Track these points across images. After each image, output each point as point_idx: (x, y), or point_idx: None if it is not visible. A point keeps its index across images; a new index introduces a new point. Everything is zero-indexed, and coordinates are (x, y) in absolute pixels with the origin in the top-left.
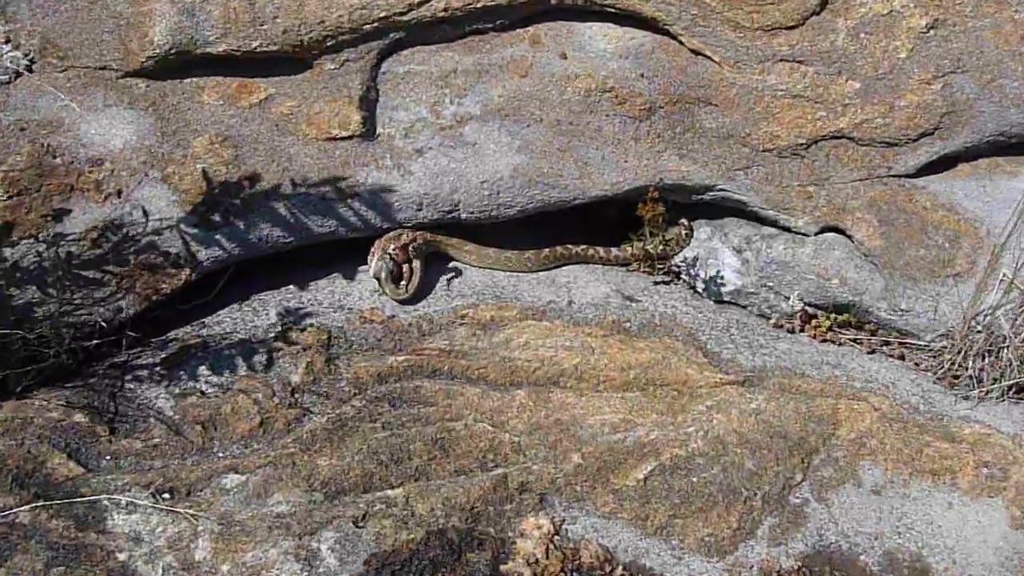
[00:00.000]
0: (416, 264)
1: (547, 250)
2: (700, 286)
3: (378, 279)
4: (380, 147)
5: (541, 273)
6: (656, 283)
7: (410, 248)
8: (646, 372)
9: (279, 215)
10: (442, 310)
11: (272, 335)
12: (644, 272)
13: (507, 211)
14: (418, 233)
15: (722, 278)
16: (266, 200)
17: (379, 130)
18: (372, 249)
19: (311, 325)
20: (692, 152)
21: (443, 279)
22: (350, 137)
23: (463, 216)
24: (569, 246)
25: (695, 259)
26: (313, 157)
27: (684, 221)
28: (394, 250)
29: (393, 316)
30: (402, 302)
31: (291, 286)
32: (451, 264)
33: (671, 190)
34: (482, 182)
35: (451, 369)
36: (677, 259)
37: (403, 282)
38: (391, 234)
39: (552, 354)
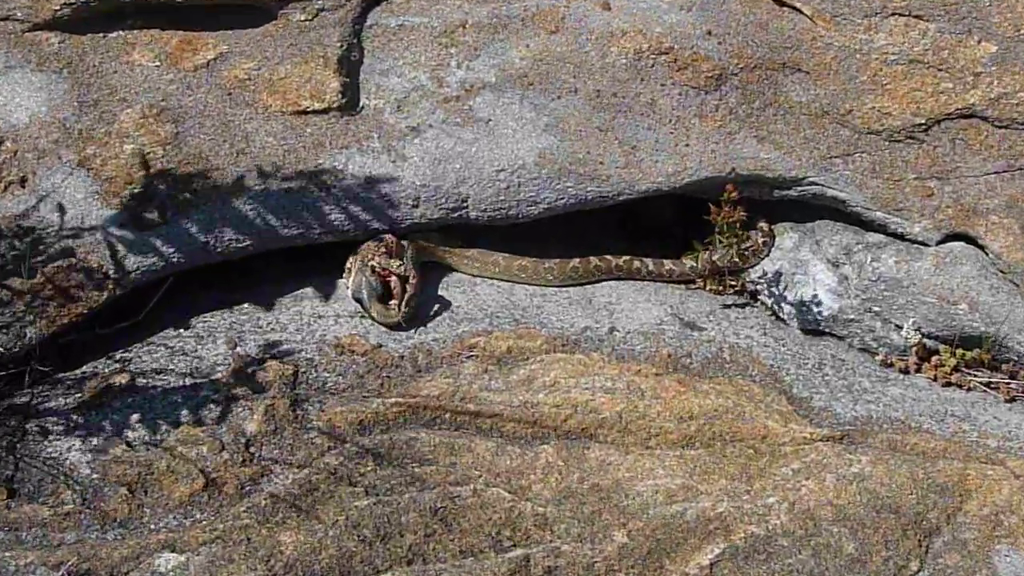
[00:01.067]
0: (412, 278)
1: (577, 260)
2: (784, 310)
3: (359, 300)
4: (365, 124)
5: (573, 290)
6: (726, 306)
7: (403, 259)
8: (712, 423)
9: (234, 212)
10: (444, 338)
11: (221, 370)
12: (710, 291)
13: (530, 209)
14: (408, 240)
15: (813, 300)
16: (216, 192)
17: (363, 101)
18: (349, 262)
19: (272, 357)
20: (774, 134)
21: (440, 298)
22: (326, 111)
23: (473, 215)
24: (608, 257)
25: (777, 275)
26: (277, 136)
27: (763, 225)
28: (377, 262)
29: (379, 346)
30: (392, 327)
31: (246, 305)
32: (449, 278)
33: (746, 183)
34: (498, 171)
35: (456, 416)
36: (753, 274)
37: (394, 301)
38: (371, 242)
39: (588, 398)
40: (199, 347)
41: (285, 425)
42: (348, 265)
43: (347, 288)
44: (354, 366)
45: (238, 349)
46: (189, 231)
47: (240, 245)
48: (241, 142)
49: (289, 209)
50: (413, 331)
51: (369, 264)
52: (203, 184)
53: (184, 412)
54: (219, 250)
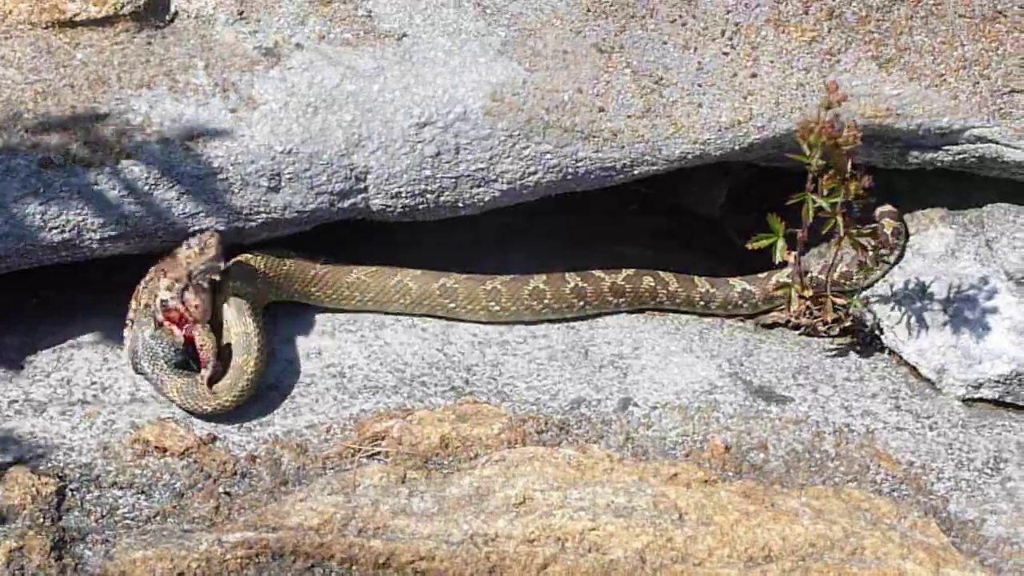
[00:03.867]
0: (237, 319)
1: (573, 278)
2: (931, 363)
3: (138, 369)
4: (182, 44)
5: (557, 333)
6: (829, 355)
7: (201, 280)
8: (804, 568)
9: None
10: (327, 423)
11: None
12: (801, 330)
13: (476, 193)
14: (250, 255)
15: (982, 346)
16: None
17: (178, 4)
18: (131, 299)
19: (19, 462)
20: (909, 52)
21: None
22: (110, 20)
23: (375, 204)
24: (630, 275)
25: (916, 299)
26: (23, 66)
27: (887, 212)
28: (169, 295)
29: (212, 439)
30: (207, 415)
31: None
32: (332, 319)
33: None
34: (419, 125)
35: (351, 562)
36: (874, 293)
37: (206, 369)
38: (166, 258)
39: (586, 526)
40: None
41: None
42: (130, 303)
43: (124, 347)
44: (167, 476)
45: None
46: None
47: None
48: None
49: (48, 194)
50: (274, 410)
51: (155, 302)
52: None
53: None
54: None
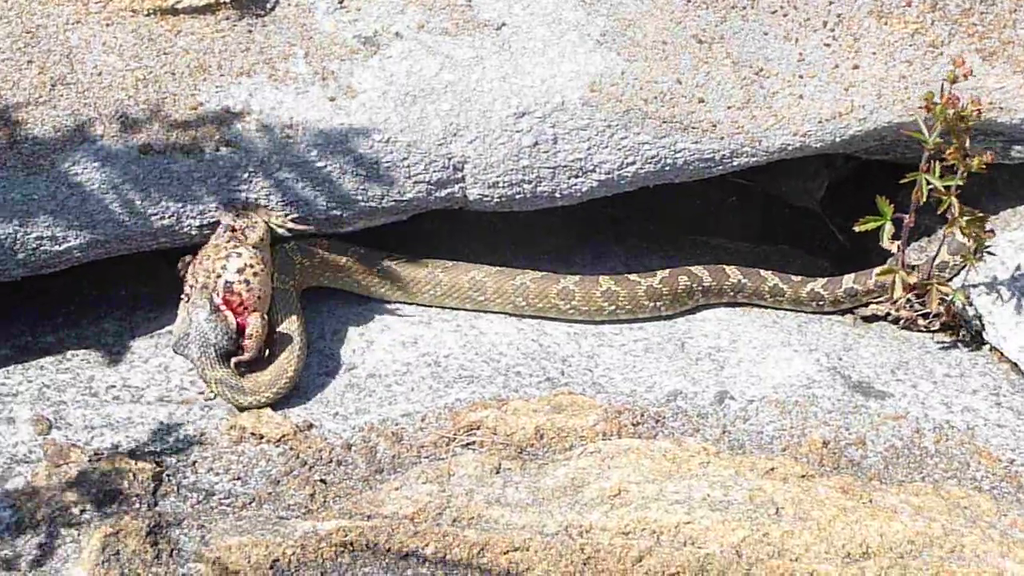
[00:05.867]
0: (282, 314)
1: (661, 276)
2: None
3: (183, 351)
4: (282, 32)
5: (652, 327)
6: (931, 348)
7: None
8: (903, 566)
9: (48, 188)
10: (422, 412)
11: (23, 473)
12: (904, 319)
13: (574, 183)
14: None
15: None
16: (16, 154)
17: None
18: (186, 275)
19: (116, 450)
20: (1011, 46)
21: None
22: (212, 8)
23: (472, 194)
24: (718, 272)
25: (1018, 290)
26: (124, 53)
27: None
28: (237, 277)
29: (309, 427)
30: (243, 408)
31: (71, 353)
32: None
33: None
34: (517, 115)
35: (444, 552)
36: (976, 287)
37: (245, 355)
38: (218, 235)
39: (682, 519)
40: None
41: (139, 568)
42: (187, 280)
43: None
44: (263, 463)
45: (53, 434)
46: None
47: (59, 248)
48: (59, 64)
49: (147, 181)
50: (364, 400)
51: (209, 281)
52: None
53: None
54: (21, 257)
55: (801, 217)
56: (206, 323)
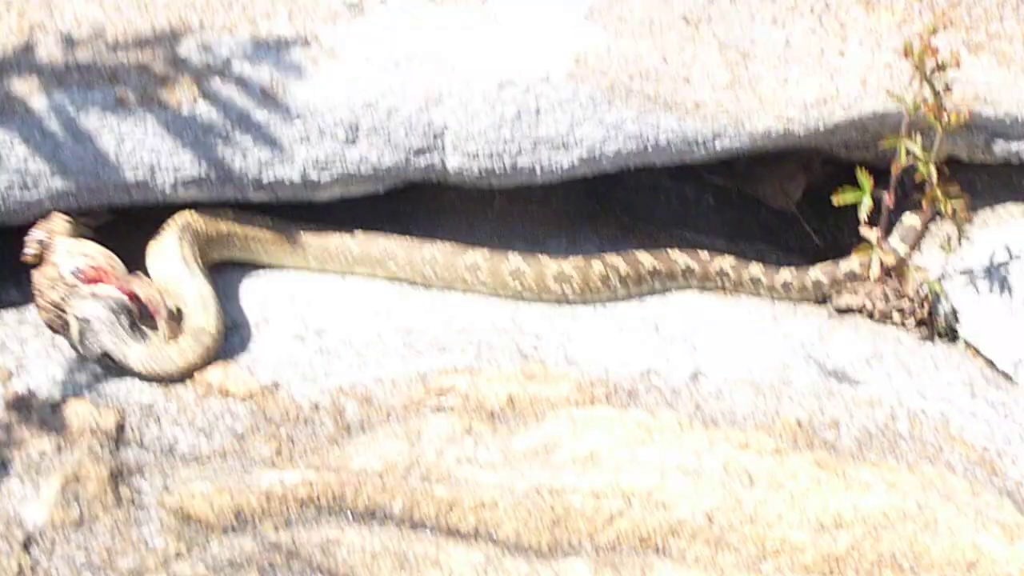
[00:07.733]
0: (189, 278)
1: (617, 260)
2: (1008, 355)
3: (93, 350)
4: None
5: (627, 307)
6: (905, 342)
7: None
8: (876, 536)
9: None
10: (392, 377)
11: None
12: (879, 311)
13: (555, 157)
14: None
15: None
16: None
17: None
18: (36, 306)
19: (78, 395)
20: (997, 40)
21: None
22: None
23: (452, 163)
24: (688, 256)
25: (999, 287)
26: (108, 5)
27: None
28: (73, 261)
29: (275, 385)
30: (175, 377)
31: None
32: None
33: None
34: (500, 85)
35: (412, 507)
36: (951, 282)
37: (161, 319)
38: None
39: (653, 483)
40: None
41: (99, 512)
42: (36, 288)
43: (68, 339)
44: (229, 418)
45: (13, 383)
46: None
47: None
48: (39, 11)
49: (122, 131)
50: (333, 364)
51: (60, 295)
52: None
53: None
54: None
55: (778, 217)
56: (100, 310)
